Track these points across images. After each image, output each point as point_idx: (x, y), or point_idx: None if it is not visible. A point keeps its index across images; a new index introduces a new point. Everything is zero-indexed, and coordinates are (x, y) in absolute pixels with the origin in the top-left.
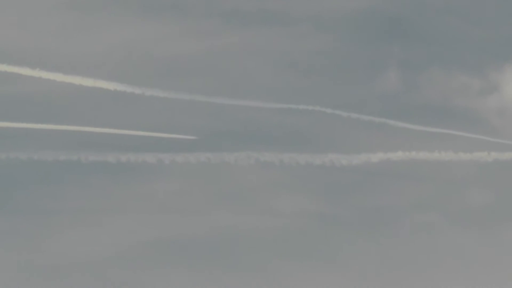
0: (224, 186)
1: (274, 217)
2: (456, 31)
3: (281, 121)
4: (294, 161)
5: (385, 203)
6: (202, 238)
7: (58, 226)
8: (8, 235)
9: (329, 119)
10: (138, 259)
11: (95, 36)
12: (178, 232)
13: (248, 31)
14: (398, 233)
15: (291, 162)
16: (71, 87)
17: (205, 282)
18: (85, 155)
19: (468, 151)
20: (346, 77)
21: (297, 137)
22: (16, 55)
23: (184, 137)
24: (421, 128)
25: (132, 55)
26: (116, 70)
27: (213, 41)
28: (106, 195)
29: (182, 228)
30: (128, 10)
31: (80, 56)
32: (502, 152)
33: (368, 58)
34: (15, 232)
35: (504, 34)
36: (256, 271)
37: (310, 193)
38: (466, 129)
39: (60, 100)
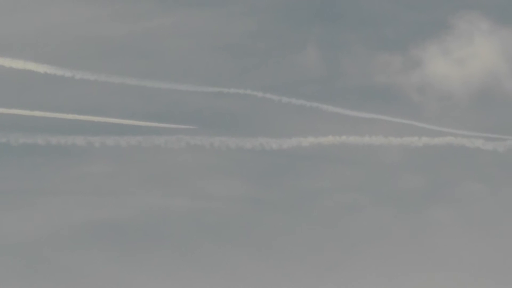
0: (155, 169)
1: (205, 200)
2: (379, 10)
3: (212, 105)
4: (225, 145)
5: (315, 187)
6: (133, 221)
7: None
8: None
9: (260, 102)
10: (69, 240)
11: (26, 18)
12: (110, 214)
13: (180, 12)
14: (327, 216)
15: (222, 146)
16: (1, 69)
17: (137, 264)
18: (15, 137)
19: (398, 136)
20: (278, 59)
21: (228, 120)
22: None
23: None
24: (352, 113)
25: (64, 37)
26: (47, 52)
27: (145, 23)
28: (37, 177)
29: (113, 210)
30: None
31: (10, 37)
32: (432, 137)
33: (297, 40)
34: None
35: (426, 11)
36: (188, 254)
37: (241, 176)
38: (389, 107)
39: None
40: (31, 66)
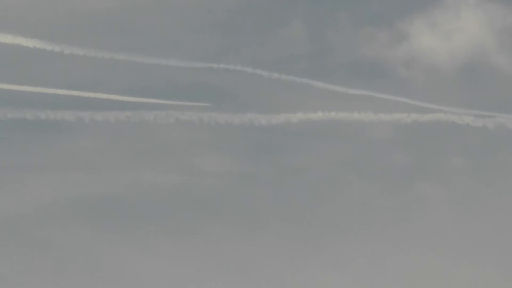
0: (145, 144)
1: (195, 175)
2: None
3: (201, 80)
4: (214, 120)
5: (304, 163)
6: (123, 196)
7: None
8: None
9: (250, 78)
10: (58, 216)
11: None
12: (99, 190)
13: None
14: (315, 191)
15: (211, 122)
16: None
17: (126, 240)
18: (3, 112)
19: (388, 112)
20: (266, 35)
21: (217, 96)
22: None
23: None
24: (342, 89)
25: (53, 12)
26: (35, 27)
27: None
28: (26, 153)
29: (102, 186)
30: None
31: None
32: (422, 114)
33: (285, 15)
34: None
35: None
36: (177, 230)
37: (230, 152)
38: (377, 81)
39: None
40: (20, 40)
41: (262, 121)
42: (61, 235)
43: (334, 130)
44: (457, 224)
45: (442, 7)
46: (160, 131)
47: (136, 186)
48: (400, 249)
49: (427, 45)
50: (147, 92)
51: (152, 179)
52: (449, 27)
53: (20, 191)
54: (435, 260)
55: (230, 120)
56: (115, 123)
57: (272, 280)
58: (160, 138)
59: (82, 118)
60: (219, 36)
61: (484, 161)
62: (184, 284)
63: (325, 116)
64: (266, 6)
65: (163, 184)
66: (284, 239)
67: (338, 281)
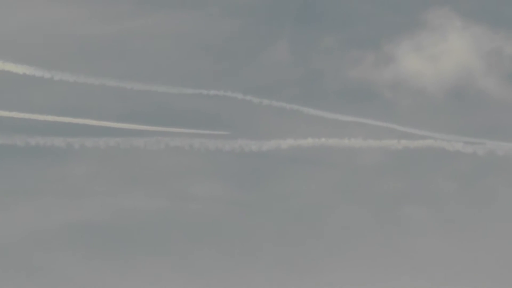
0: (135, 170)
1: (185, 202)
2: (351, 8)
3: (192, 106)
4: (204, 146)
5: (294, 189)
6: (113, 222)
7: None
8: None
9: (240, 104)
10: (48, 242)
11: (4, 17)
12: (89, 216)
13: (160, 14)
14: (305, 218)
15: (201, 148)
16: None
17: (116, 266)
18: None
19: (377, 139)
20: (257, 60)
21: (208, 122)
22: None
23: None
24: (332, 115)
25: (43, 37)
26: (25, 53)
27: (125, 23)
28: (15, 179)
29: (93, 212)
30: None
31: None
32: (412, 140)
33: (275, 40)
34: None
35: (398, 7)
36: (167, 256)
37: (221, 178)
38: (364, 105)
39: None
40: (10, 66)
41: (253, 147)
42: (50, 261)
43: (324, 156)
44: (447, 249)
45: (429, 29)
46: (150, 157)
47: (126, 212)
48: (391, 274)
49: (414, 68)
50: (137, 118)
51: (142, 205)
52: (436, 50)
53: (10, 217)
54: (425, 285)
55: (221, 146)
56: (105, 149)
57: None
58: (150, 164)
59: (72, 144)
60: (210, 61)
61: (473, 186)
62: None
63: (315, 142)
64: (255, 31)
65: (154, 210)
66: (273, 265)
67: None
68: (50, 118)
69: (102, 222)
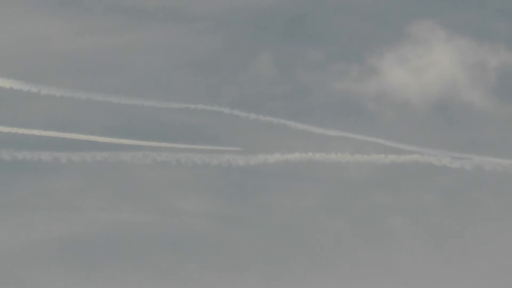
0: (122, 185)
1: (172, 216)
2: (335, 22)
3: (179, 120)
4: (191, 161)
5: (281, 204)
6: (100, 237)
7: None
8: None
9: (227, 119)
10: (35, 257)
11: None
12: (76, 231)
13: (147, 29)
14: (292, 233)
15: (188, 162)
16: None
17: (104, 281)
18: None
19: (365, 153)
20: (243, 75)
21: (195, 136)
22: None
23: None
24: (319, 130)
25: (30, 52)
26: (12, 67)
27: (112, 38)
28: (2, 193)
29: (80, 226)
30: (26, 6)
31: None
32: (399, 155)
33: (260, 55)
34: None
35: (382, 20)
36: (155, 270)
37: (208, 193)
38: (348, 118)
39: None
40: None
41: (240, 162)
42: (38, 275)
43: (311, 171)
44: (434, 264)
45: (413, 42)
46: (137, 171)
47: (113, 226)
48: (378, 287)
49: (398, 80)
50: (124, 133)
51: (129, 219)
52: (420, 63)
53: None
54: None
55: (208, 160)
56: (92, 163)
57: None
58: (137, 179)
59: (59, 159)
60: (197, 76)
61: (460, 201)
62: None
63: (302, 157)
64: (241, 46)
65: (141, 224)
66: (261, 279)
67: None
68: (37, 132)
69: (89, 236)
